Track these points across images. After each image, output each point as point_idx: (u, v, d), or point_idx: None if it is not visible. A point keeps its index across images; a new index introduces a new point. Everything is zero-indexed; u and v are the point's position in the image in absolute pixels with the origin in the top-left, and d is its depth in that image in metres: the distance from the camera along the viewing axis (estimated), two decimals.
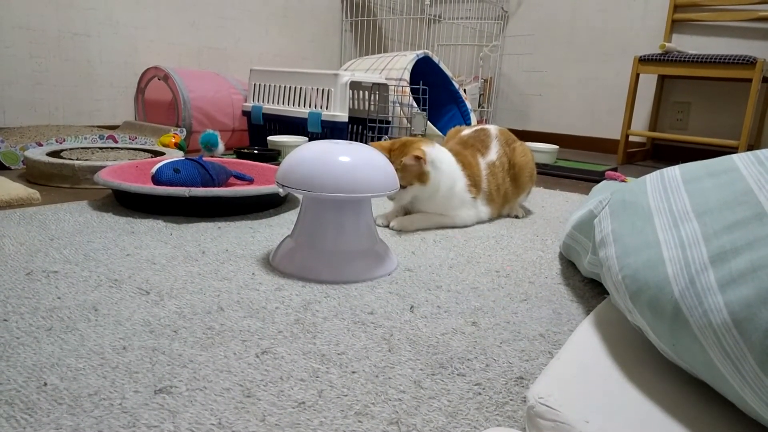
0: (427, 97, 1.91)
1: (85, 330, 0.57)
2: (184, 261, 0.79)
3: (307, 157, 0.78)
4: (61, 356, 0.51)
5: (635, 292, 0.47)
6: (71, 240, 0.85)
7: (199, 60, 2.22)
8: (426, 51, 2.09)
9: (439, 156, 1.05)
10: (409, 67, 2.00)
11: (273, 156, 1.62)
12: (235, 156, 1.60)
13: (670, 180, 0.56)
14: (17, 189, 1.13)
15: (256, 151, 1.62)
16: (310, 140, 1.77)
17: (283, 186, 0.77)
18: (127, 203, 1.09)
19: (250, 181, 1.33)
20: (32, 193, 1.11)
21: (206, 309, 0.63)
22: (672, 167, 0.59)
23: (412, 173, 1.01)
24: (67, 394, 0.46)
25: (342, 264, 0.77)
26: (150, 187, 1.01)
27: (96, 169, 1.25)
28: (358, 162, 0.78)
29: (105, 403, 0.45)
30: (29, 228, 0.89)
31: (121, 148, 1.61)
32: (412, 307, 0.67)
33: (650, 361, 0.48)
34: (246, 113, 1.99)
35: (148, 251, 0.82)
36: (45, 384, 0.47)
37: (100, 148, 1.54)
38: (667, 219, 0.50)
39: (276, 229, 0.99)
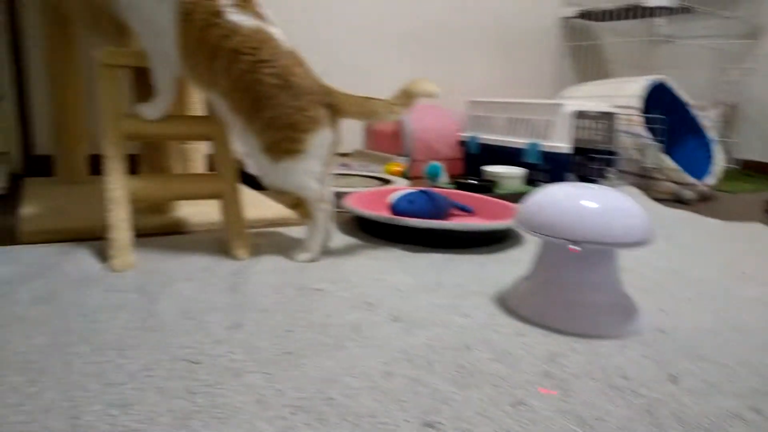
0: (664, 127, 1.75)
1: (352, 349, 0.64)
2: (425, 291, 0.84)
3: (550, 201, 0.77)
4: (338, 373, 0.59)
5: None
6: (328, 260, 0.97)
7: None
8: (660, 76, 1.93)
9: None
10: (641, 95, 1.86)
11: (489, 188, 1.64)
12: (454, 186, 1.66)
13: None
14: (277, 209, 1.32)
15: (473, 182, 1.66)
16: (528, 171, 1.75)
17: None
18: (367, 229, 1.21)
19: (471, 213, 1.37)
20: (291, 213, 1.29)
21: (454, 345, 0.67)
22: None
23: None
24: (349, 411, 0.52)
25: (585, 316, 0.75)
26: (392, 217, 1.10)
27: (340, 195, 1.41)
28: (606, 208, 0.75)
29: (382, 428, 0.50)
30: (295, 245, 1.04)
31: (354, 175, 1.79)
32: (673, 377, 0.62)
33: None
34: (462, 142, 2.06)
35: (392, 278, 0.90)
36: (331, 398, 0.54)
37: (338, 174, 1.73)
38: None
39: (504, 266, 1.00)
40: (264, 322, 0.70)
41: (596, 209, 0.73)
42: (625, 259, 1.06)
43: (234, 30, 0.85)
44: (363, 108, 0.95)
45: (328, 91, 0.92)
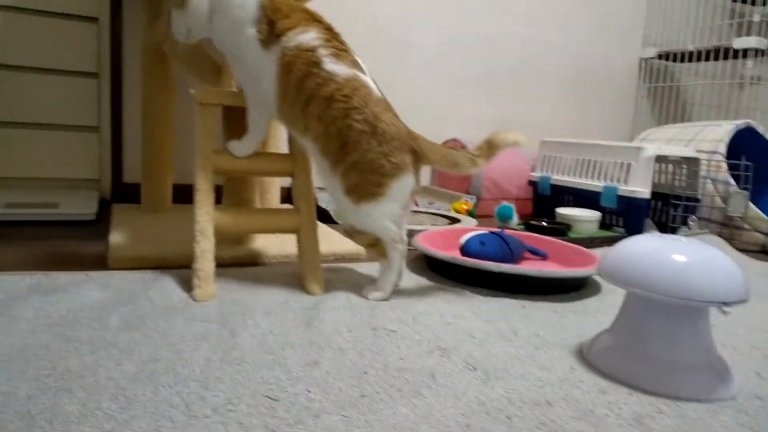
0: (751, 174, 1.66)
1: (429, 397, 0.63)
2: (499, 339, 0.82)
3: (636, 252, 0.74)
4: (415, 421, 0.58)
5: None
6: (399, 300, 0.97)
7: (491, 130, 2.35)
8: (748, 121, 1.83)
9: None
10: (726, 139, 1.78)
11: (563, 231, 1.59)
12: (524, 227, 1.63)
13: None
14: (347, 244, 1.34)
15: (545, 224, 1.62)
16: (603, 215, 1.69)
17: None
18: (436, 268, 1.20)
19: (544, 257, 1.34)
20: (360, 249, 1.31)
21: (533, 399, 0.64)
22: None
23: None
24: None
25: (672, 376, 0.70)
26: (463, 259, 1.09)
27: (409, 233, 1.41)
28: (697, 263, 0.71)
29: None
30: (365, 282, 1.04)
31: (422, 212, 1.79)
32: None
33: None
34: (533, 183, 2.02)
35: (464, 322, 0.88)
36: None
37: None
38: None
39: (582, 317, 0.96)
40: (340, 361, 0.70)
41: (690, 263, 0.70)
42: (714, 315, 0.99)
43: (330, 78, 0.89)
44: (446, 158, 0.97)
45: (413, 138, 0.94)
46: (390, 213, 0.93)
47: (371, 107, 0.90)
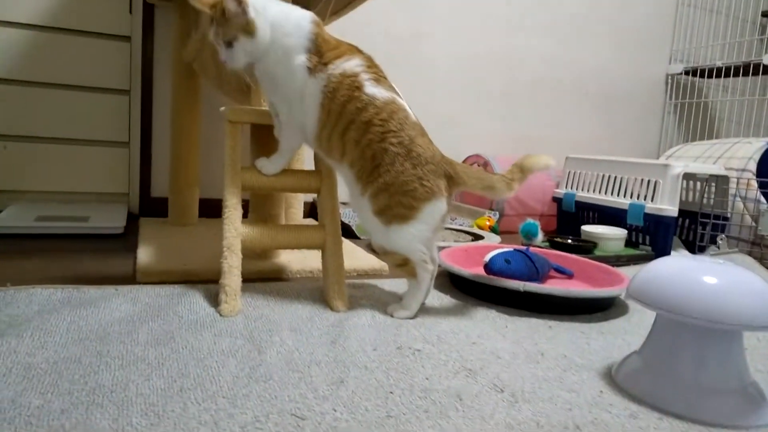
0: None
1: (456, 420, 0.62)
2: (526, 360, 0.81)
3: (666, 273, 0.73)
4: None
5: None
6: (423, 319, 0.96)
7: (515, 147, 2.35)
8: None
9: (267, 6, 0.91)
10: (756, 157, 1.74)
11: (588, 248, 1.57)
12: (548, 245, 1.61)
13: None
14: (370, 260, 1.34)
15: (570, 242, 1.61)
16: (629, 233, 1.67)
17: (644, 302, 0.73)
18: (460, 285, 1.19)
19: (570, 276, 1.32)
20: (383, 265, 1.31)
21: (562, 423, 0.63)
22: None
23: (234, 23, 0.89)
24: None
25: (704, 401, 0.68)
26: (488, 277, 1.08)
27: None
28: (729, 285, 0.69)
29: None
30: (388, 299, 1.04)
31: (445, 228, 1.78)
32: None
33: None
34: (557, 199, 2.00)
35: (490, 343, 0.87)
36: None
37: None
38: None
39: (609, 337, 0.94)
40: (365, 380, 0.70)
41: (721, 286, 0.68)
42: (747, 338, 0.97)
43: (370, 102, 0.91)
44: (481, 181, 0.98)
45: (448, 162, 0.95)
46: (420, 236, 0.93)
47: (407, 131, 0.91)
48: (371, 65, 0.94)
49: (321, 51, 0.92)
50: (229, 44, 0.90)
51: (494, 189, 0.98)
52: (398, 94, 0.94)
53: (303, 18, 0.93)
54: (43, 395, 0.60)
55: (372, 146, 0.90)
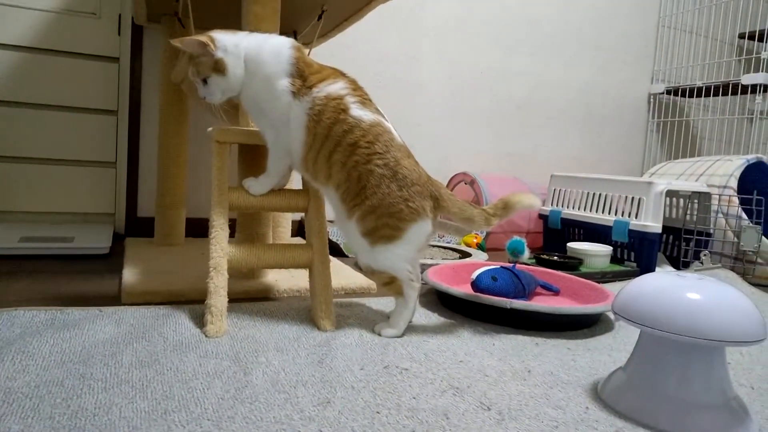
0: (763, 208, 1.65)
1: None
2: (513, 377, 0.81)
3: (650, 290, 0.74)
4: None
5: None
6: (411, 337, 0.96)
7: (502, 165, 2.38)
8: (759, 155, 1.84)
9: (240, 42, 0.93)
10: (737, 174, 1.78)
11: (574, 265, 1.59)
12: (535, 262, 1.62)
13: None
14: (358, 278, 1.34)
15: (556, 258, 1.62)
16: (614, 249, 1.69)
17: (622, 317, 0.74)
18: (447, 303, 1.19)
19: (557, 292, 1.33)
20: (371, 284, 1.31)
21: None
22: None
23: (204, 63, 0.92)
24: None
25: (688, 417, 0.69)
26: (475, 295, 1.09)
27: (421, 267, 1.41)
28: (711, 301, 0.70)
29: None
30: (376, 317, 1.04)
31: (432, 245, 1.79)
32: None
33: None
34: (543, 216, 2.02)
35: (477, 360, 0.87)
36: None
37: None
38: None
39: (595, 354, 0.95)
40: (352, 400, 0.70)
41: (704, 302, 0.69)
42: (730, 353, 0.98)
43: (356, 125, 0.91)
44: (462, 212, 0.99)
45: (434, 184, 0.96)
46: (405, 255, 0.94)
47: (393, 152, 0.92)
48: (356, 88, 0.95)
49: (304, 74, 0.93)
50: (204, 81, 0.93)
51: (473, 222, 0.99)
52: (384, 117, 0.96)
53: (281, 45, 0.94)
54: (23, 420, 0.59)
55: (358, 168, 0.91)
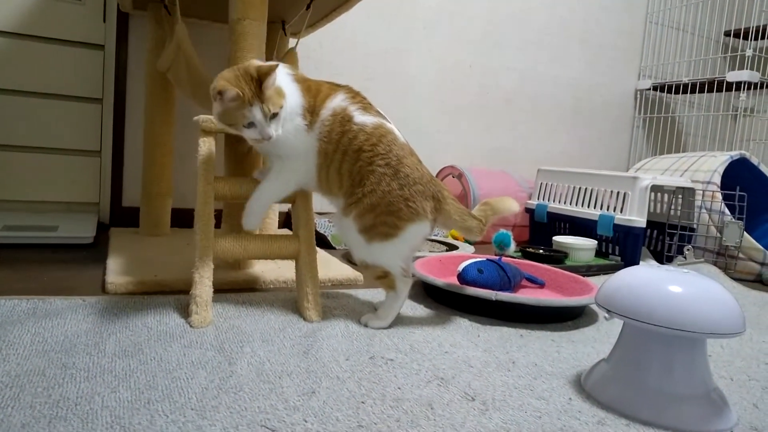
0: (745, 204, 1.67)
1: (426, 428, 0.63)
2: (497, 368, 0.82)
3: (634, 282, 0.75)
4: None
5: None
6: (397, 328, 0.96)
7: (489, 159, 2.38)
8: (742, 152, 1.86)
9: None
10: (720, 170, 1.80)
11: (560, 258, 1.60)
12: (521, 255, 1.63)
13: None
14: (345, 270, 1.34)
15: (542, 252, 1.63)
16: (599, 243, 1.70)
17: (608, 311, 0.75)
18: (434, 295, 1.20)
19: (542, 285, 1.34)
20: (357, 275, 1.31)
21: (532, 430, 0.64)
22: None
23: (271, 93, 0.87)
24: None
25: (670, 408, 0.70)
26: (461, 287, 1.09)
27: None
28: (693, 294, 0.71)
29: None
30: (362, 309, 1.04)
31: None
32: None
33: None
34: (529, 210, 2.03)
35: (462, 351, 0.88)
36: None
37: None
38: None
39: (579, 346, 0.96)
40: (337, 390, 0.70)
41: (686, 295, 0.70)
42: (711, 346, 1.00)
43: (360, 130, 0.92)
44: (463, 221, 1.00)
45: (437, 185, 0.97)
46: (401, 254, 0.95)
47: (395, 151, 0.93)
48: (354, 95, 0.95)
49: (312, 106, 0.92)
50: (275, 115, 0.87)
51: (471, 232, 1.01)
52: (385, 118, 0.96)
53: (282, 73, 0.91)
54: (2, 409, 0.59)
55: (361, 171, 0.92)
